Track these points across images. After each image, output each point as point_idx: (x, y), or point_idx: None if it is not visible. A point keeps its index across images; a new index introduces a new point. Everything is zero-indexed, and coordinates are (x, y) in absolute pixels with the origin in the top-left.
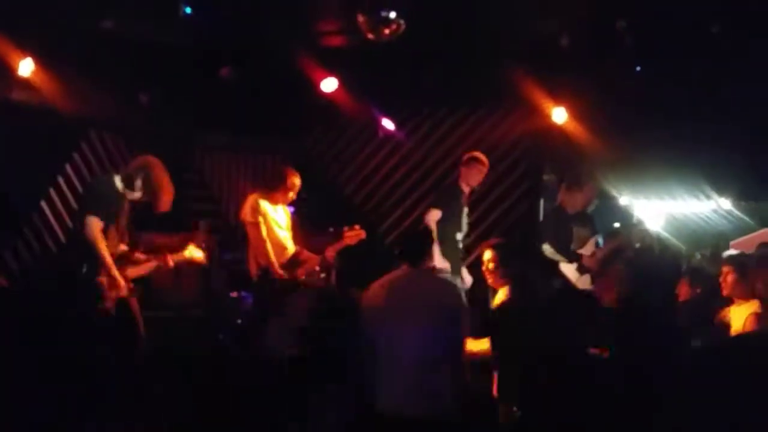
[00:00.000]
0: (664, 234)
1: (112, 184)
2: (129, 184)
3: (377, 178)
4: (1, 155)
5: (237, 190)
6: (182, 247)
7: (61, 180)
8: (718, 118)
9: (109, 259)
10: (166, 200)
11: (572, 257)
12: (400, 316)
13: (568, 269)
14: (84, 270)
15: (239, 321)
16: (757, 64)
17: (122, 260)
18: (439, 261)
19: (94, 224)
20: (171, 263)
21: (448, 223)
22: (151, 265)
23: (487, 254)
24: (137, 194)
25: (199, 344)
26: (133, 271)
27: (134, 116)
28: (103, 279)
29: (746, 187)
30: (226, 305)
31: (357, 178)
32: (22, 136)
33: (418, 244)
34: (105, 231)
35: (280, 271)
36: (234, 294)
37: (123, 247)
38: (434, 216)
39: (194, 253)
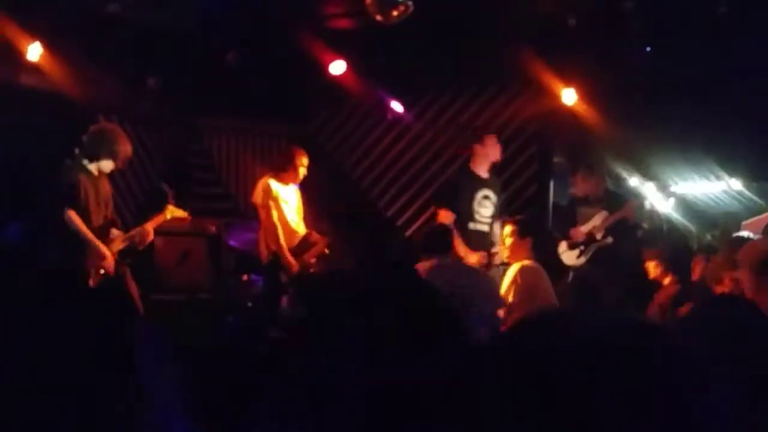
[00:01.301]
0: (674, 215)
1: (72, 166)
2: (89, 156)
3: (385, 161)
4: (10, 140)
5: (245, 174)
6: (160, 212)
7: None
8: (728, 98)
9: (87, 232)
10: (123, 159)
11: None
12: None
13: (560, 246)
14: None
15: (249, 304)
16: (765, 43)
17: (100, 234)
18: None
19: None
20: (150, 229)
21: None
22: (128, 235)
23: (507, 228)
24: (100, 164)
25: (207, 327)
26: (113, 246)
27: (142, 100)
28: (89, 261)
29: (757, 167)
30: (236, 288)
31: (365, 161)
32: (31, 120)
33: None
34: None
35: (291, 259)
36: (244, 277)
37: (106, 224)
38: (446, 218)
39: (175, 212)
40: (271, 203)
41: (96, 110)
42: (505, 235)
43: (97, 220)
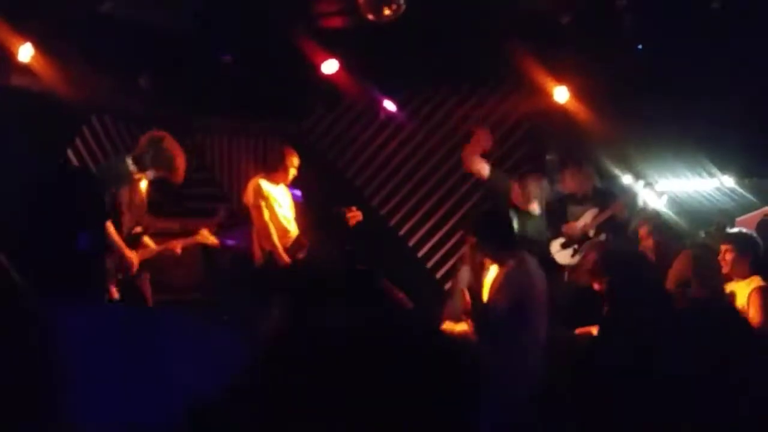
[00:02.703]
0: (667, 212)
1: (119, 165)
2: (140, 163)
3: (379, 159)
4: (2, 141)
5: (238, 174)
6: (193, 232)
7: None
8: (720, 95)
9: (117, 238)
10: (179, 172)
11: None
12: None
13: (553, 245)
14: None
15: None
16: (757, 39)
17: (132, 243)
18: None
19: None
20: (178, 250)
21: None
22: (158, 249)
23: None
24: (151, 172)
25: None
26: (140, 255)
27: (135, 100)
28: (109, 262)
29: (749, 164)
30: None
31: (358, 160)
32: (23, 121)
33: None
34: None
35: (285, 257)
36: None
37: (137, 229)
38: None
39: (208, 237)
40: (263, 203)
41: (89, 110)
42: None
43: (129, 222)
